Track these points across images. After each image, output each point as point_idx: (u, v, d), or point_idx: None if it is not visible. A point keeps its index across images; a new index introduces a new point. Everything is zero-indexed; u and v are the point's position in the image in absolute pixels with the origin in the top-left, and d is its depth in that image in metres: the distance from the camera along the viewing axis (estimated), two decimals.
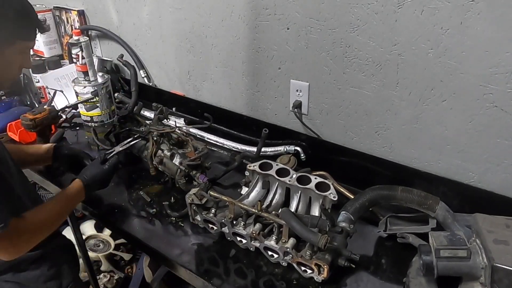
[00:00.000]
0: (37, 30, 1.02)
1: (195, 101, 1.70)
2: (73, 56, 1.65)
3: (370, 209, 1.05)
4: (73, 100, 1.74)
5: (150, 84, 1.88)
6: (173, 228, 1.15)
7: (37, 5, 2.10)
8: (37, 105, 1.88)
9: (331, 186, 1.05)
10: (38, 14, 0.97)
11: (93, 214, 1.26)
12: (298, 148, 1.36)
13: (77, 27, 2.01)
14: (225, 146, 1.52)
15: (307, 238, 0.90)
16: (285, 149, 1.37)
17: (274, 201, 1.12)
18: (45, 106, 1.48)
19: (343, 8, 1.14)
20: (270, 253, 1.00)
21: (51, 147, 1.29)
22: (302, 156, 1.34)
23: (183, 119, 1.66)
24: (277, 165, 1.14)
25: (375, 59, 1.14)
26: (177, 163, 1.24)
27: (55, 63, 2.05)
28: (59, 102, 1.76)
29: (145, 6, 1.71)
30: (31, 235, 0.97)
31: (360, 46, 1.15)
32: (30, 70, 1.95)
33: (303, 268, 0.96)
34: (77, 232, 1.61)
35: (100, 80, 1.70)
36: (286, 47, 1.31)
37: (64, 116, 1.68)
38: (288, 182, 1.09)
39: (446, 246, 0.81)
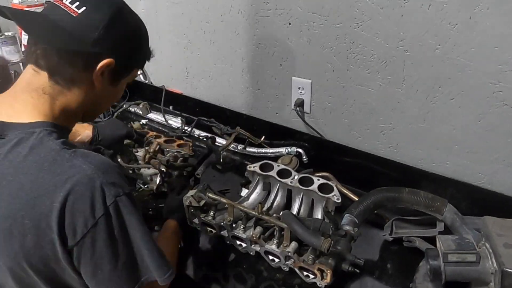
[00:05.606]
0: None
1: (193, 99, 1.68)
2: None
3: (375, 211, 1.04)
4: None
5: (146, 81, 1.87)
6: None
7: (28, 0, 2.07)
8: None
9: (335, 188, 1.04)
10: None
11: None
12: (300, 150, 1.34)
13: None
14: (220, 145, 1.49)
15: (310, 242, 0.88)
16: (286, 151, 1.35)
17: (275, 204, 1.11)
18: None
19: (346, 2, 1.13)
20: (271, 257, 0.99)
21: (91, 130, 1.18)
22: (304, 158, 1.33)
23: (179, 118, 1.63)
24: (278, 166, 1.13)
25: (380, 56, 1.13)
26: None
27: None
28: None
29: (141, 1, 1.69)
30: None
31: (364, 42, 1.14)
32: (22, 66, 1.91)
33: (305, 273, 0.94)
34: None
35: None
36: (288, 43, 1.30)
37: None
38: (289, 184, 1.08)
39: (454, 250, 0.79)
